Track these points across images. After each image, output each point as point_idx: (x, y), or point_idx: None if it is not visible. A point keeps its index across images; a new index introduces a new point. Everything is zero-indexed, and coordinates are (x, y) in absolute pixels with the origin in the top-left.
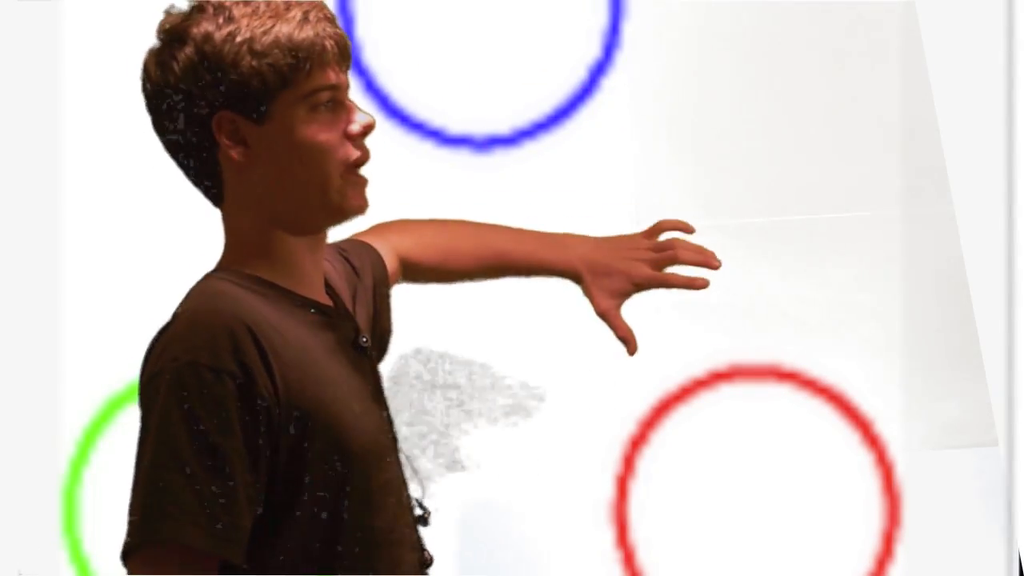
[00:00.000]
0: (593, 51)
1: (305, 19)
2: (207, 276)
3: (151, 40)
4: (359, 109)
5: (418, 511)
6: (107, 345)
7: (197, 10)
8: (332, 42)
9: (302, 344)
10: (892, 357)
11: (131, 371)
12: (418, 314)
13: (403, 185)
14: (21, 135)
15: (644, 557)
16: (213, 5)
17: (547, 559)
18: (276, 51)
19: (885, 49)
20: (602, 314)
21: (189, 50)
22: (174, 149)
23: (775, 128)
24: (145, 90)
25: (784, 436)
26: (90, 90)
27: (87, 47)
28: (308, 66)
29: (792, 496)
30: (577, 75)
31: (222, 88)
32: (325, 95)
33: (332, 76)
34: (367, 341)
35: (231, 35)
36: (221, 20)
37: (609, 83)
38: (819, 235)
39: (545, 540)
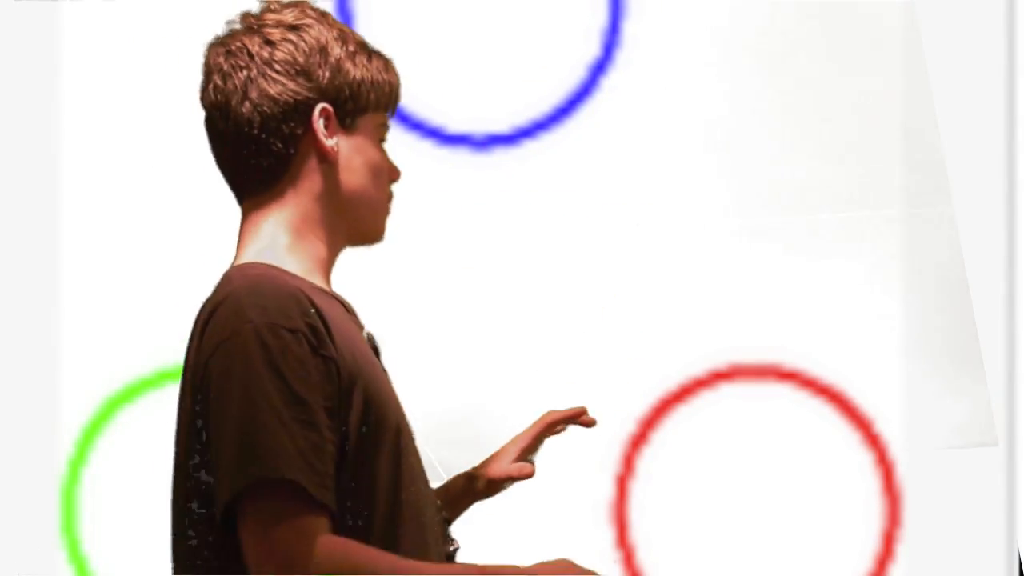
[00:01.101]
0: (593, 50)
1: (388, 65)
2: (246, 265)
3: (149, 41)
4: None
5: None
6: (105, 346)
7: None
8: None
9: (341, 323)
10: (892, 357)
11: (129, 372)
12: (417, 313)
13: (401, 184)
14: (20, 135)
15: (644, 557)
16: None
17: (547, 559)
18: (377, 75)
19: (885, 49)
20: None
21: (310, 40)
22: (253, 124)
23: (775, 128)
24: (231, 60)
25: (784, 436)
26: (89, 90)
27: (86, 47)
28: (390, 100)
29: (792, 496)
30: (577, 74)
31: (335, 83)
32: (386, 132)
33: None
34: (376, 341)
35: (344, 45)
36: (336, 32)
37: (609, 82)
38: (819, 235)
39: (545, 540)
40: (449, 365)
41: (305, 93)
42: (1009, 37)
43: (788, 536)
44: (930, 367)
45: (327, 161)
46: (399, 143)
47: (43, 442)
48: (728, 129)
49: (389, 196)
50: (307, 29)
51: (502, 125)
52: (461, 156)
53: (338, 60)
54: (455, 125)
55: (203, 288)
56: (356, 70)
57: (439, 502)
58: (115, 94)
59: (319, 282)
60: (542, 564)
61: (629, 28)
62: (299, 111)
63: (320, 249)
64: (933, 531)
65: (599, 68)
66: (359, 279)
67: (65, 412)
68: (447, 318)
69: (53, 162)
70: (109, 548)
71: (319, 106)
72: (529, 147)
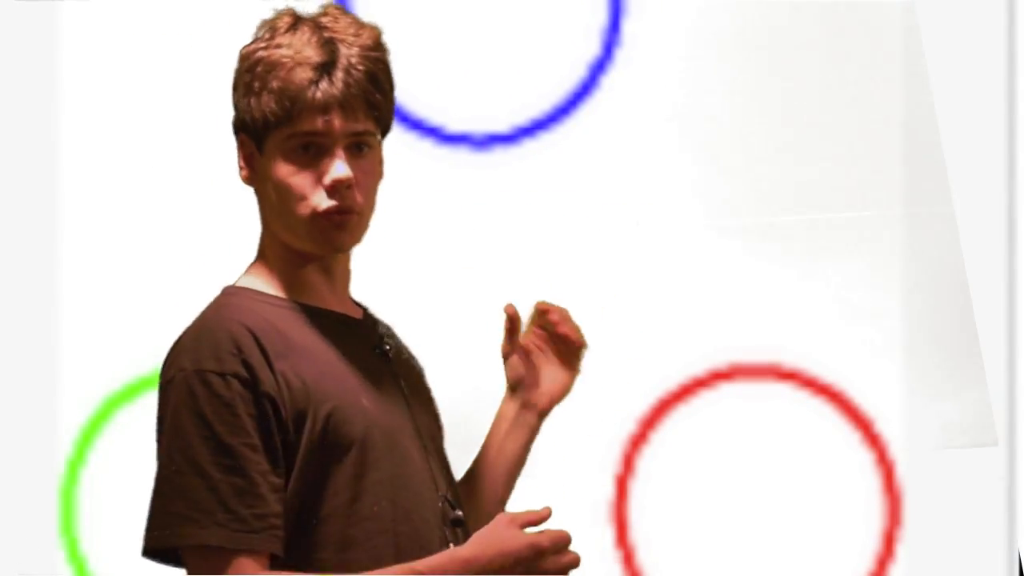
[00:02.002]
0: (593, 49)
1: (306, 62)
2: (222, 292)
3: (147, 41)
4: (343, 164)
5: (458, 512)
6: (104, 345)
7: (264, 29)
8: (319, 92)
9: (307, 345)
10: (892, 357)
11: (128, 371)
12: (416, 312)
13: (401, 183)
14: (18, 135)
15: (644, 557)
16: (271, 28)
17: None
18: (266, 94)
19: (885, 49)
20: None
21: (235, 71)
22: None
23: (775, 128)
24: None
25: (784, 436)
26: (88, 90)
27: (84, 47)
28: (295, 111)
29: (792, 496)
30: (577, 73)
31: (239, 113)
32: (305, 140)
33: (319, 123)
34: (390, 349)
35: (251, 66)
36: (259, 46)
37: (609, 81)
38: (819, 235)
39: None
40: (448, 365)
41: (235, 128)
42: (1009, 37)
43: (788, 536)
44: (930, 367)
45: (253, 188)
46: (398, 142)
47: (41, 442)
48: (728, 128)
49: (310, 209)
50: (239, 57)
51: (502, 124)
52: (460, 155)
53: (236, 86)
54: (454, 124)
55: (202, 287)
56: (248, 93)
57: (450, 496)
58: (114, 94)
59: (306, 298)
60: (478, 540)
61: (629, 27)
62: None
63: (291, 266)
64: (933, 531)
65: (599, 67)
66: (357, 279)
67: (64, 411)
68: (446, 318)
69: (52, 161)
70: (108, 548)
71: (238, 136)
72: (529, 146)
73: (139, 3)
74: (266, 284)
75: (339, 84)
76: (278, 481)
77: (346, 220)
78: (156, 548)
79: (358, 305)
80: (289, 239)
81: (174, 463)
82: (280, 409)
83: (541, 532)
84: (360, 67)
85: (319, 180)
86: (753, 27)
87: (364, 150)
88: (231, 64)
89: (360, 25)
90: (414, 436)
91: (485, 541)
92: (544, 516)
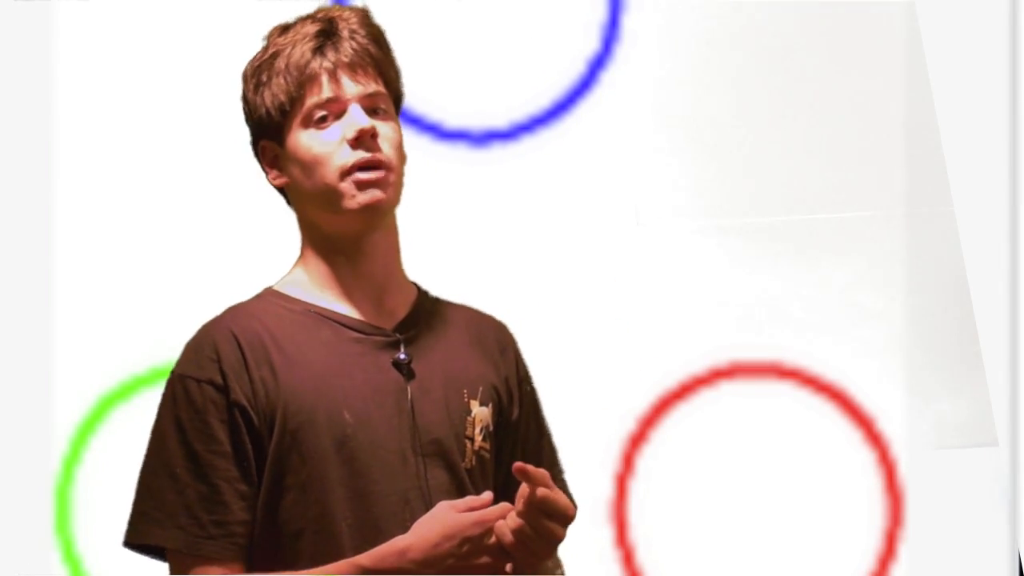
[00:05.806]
0: (592, 45)
1: (306, 37)
2: (257, 294)
3: (143, 41)
4: (361, 113)
5: None
6: (99, 344)
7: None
8: (326, 60)
9: (302, 354)
10: (893, 356)
11: (123, 370)
12: None
13: None
14: (13, 135)
15: (643, 556)
16: (265, 40)
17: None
18: (275, 79)
19: (885, 49)
20: None
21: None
22: None
23: (775, 127)
24: None
25: (786, 434)
26: (82, 89)
27: (79, 48)
28: (304, 83)
29: (794, 495)
30: (576, 69)
31: (253, 118)
32: (320, 111)
33: (331, 89)
34: (406, 359)
35: (255, 70)
36: (258, 52)
37: (608, 77)
38: (819, 235)
39: None
40: None
41: (252, 142)
42: (1011, 36)
43: (789, 535)
44: (930, 367)
45: (283, 187)
46: None
47: (37, 440)
48: (727, 128)
49: (340, 170)
50: (243, 78)
51: (500, 121)
52: (459, 152)
53: (245, 92)
54: (453, 120)
55: (198, 285)
56: (256, 90)
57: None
58: (109, 93)
59: (327, 301)
60: (418, 526)
61: (628, 23)
62: (256, 158)
63: (321, 266)
64: (933, 531)
65: (598, 63)
66: None
67: (59, 410)
68: None
69: (46, 161)
70: (104, 548)
71: (257, 146)
72: (527, 143)
73: (135, 4)
74: (298, 285)
75: (345, 48)
76: (246, 489)
77: (379, 177)
78: (126, 543)
79: (419, 292)
80: (326, 220)
81: (151, 463)
82: (252, 418)
83: (487, 509)
84: (362, 31)
85: (342, 141)
86: (753, 26)
87: (380, 113)
88: (227, 63)
89: (348, 7)
90: (410, 452)
91: (426, 526)
92: (485, 501)
